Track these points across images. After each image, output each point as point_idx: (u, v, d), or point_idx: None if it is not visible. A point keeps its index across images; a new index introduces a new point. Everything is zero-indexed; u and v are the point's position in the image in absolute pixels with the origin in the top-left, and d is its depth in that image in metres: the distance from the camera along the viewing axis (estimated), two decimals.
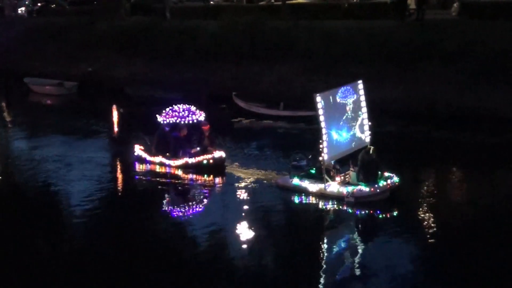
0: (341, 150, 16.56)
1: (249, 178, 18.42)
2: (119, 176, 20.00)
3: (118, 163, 21.08)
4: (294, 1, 40.58)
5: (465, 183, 18.70)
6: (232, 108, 28.17)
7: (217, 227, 15.04)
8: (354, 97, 16.70)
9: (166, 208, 17.07)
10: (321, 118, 15.69)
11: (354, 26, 31.62)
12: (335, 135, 16.19)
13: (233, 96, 28.48)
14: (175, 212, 16.78)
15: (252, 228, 14.84)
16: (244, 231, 14.73)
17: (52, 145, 22.96)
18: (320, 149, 16.02)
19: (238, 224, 15.09)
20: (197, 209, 17.03)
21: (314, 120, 24.77)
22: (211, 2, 49.19)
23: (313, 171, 17.16)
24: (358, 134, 16.99)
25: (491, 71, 25.79)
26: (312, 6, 39.44)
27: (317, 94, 15.65)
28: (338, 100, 16.21)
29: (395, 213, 15.87)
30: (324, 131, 15.77)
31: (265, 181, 18.05)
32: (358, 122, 16.94)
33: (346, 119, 16.51)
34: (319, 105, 15.58)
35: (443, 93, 26.06)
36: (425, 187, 17.84)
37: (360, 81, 17.08)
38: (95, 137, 24.71)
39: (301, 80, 29.57)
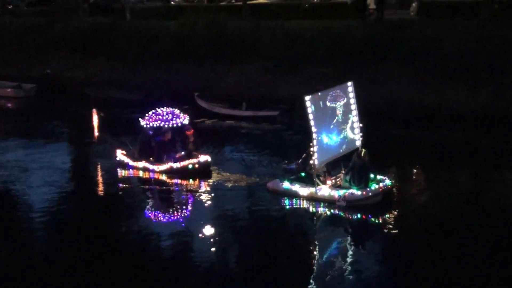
0: (332, 154, 16.29)
1: (237, 182, 18.03)
2: (83, 180, 19.39)
3: (80, 166, 20.70)
4: (254, 1, 40.65)
5: (434, 181, 18.55)
6: (195, 108, 28.05)
7: (203, 233, 14.62)
8: (344, 100, 16.44)
9: (147, 214, 16.49)
10: (311, 122, 15.38)
11: (315, 26, 31.81)
12: (325, 139, 15.92)
13: (195, 96, 28.39)
14: (157, 217, 16.35)
15: (241, 233, 14.65)
16: (232, 236, 14.49)
17: (10, 149, 22.48)
18: (311, 153, 15.75)
19: (225, 229, 14.88)
20: (182, 214, 16.48)
21: (277, 120, 25.40)
22: (172, 2, 48.93)
23: (303, 175, 16.86)
24: (350, 136, 16.75)
25: (449, 69, 26.19)
26: (273, 6, 39.58)
27: (306, 96, 15.34)
28: (328, 104, 15.91)
29: (387, 217, 15.51)
30: (314, 135, 15.49)
31: (254, 185, 17.65)
32: (349, 125, 16.68)
33: (336, 123, 16.24)
34: (309, 109, 15.26)
35: (403, 92, 26.38)
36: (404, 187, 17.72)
37: (350, 83, 16.82)
38: (55, 140, 24.28)
39: (263, 80, 29.62)
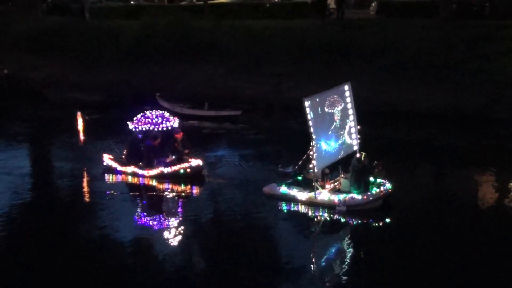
0: (330, 160, 15.90)
1: (231, 186, 17.56)
2: (67, 186, 18.51)
3: (64, 171, 19.68)
4: (215, 1, 40.58)
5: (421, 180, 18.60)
6: (157, 109, 27.81)
7: (198, 240, 14.33)
8: (341, 105, 16.00)
9: (138, 220, 15.86)
10: (311, 128, 15.00)
11: (275, 25, 31.92)
12: (324, 146, 15.49)
13: (156, 97, 28.16)
14: (148, 223, 15.77)
15: (237, 238, 14.25)
16: (228, 242, 14.14)
17: None
18: (310, 157, 15.34)
19: (221, 234, 14.58)
20: (173, 221, 15.80)
21: (239, 120, 25.35)
22: (132, 2, 48.48)
23: (299, 178, 16.42)
24: (347, 141, 16.34)
25: (408, 68, 26.60)
26: (234, 6, 39.56)
27: (305, 99, 14.93)
28: (326, 110, 15.46)
29: (388, 222, 15.34)
30: (313, 142, 15.07)
31: (249, 189, 17.10)
32: (346, 130, 16.26)
33: (334, 128, 15.82)
34: (308, 115, 14.88)
35: (363, 90, 26.56)
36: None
37: (347, 85, 16.35)
38: (15, 143, 23.69)
39: (225, 80, 29.60)
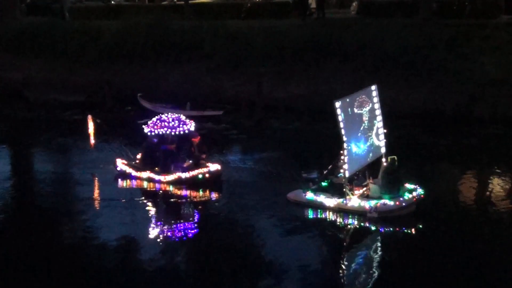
0: (360, 163, 15.38)
1: (252, 192, 16.98)
2: (81, 192, 17.89)
3: (77, 176, 19.14)
4: (196, 1, 40.47)
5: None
6: (138, 109, 27.73)
7: (221, 249, 13.70)
8: (369, 105, 15.60)
9: (156, 227, 15.41)
10: (342, 130, 14.51)
11: (256, 25, 31.91)
12: (354, 148, 14.98)
13: (138, 97, 28.03)
14: (169, 229, 15.22)
15: (263, 248, 13.76)
16: (253, 251, 13.63)
17: None
18: (341, 162, 14.91)
19: (246, 242, 14.06)
20: (193, 230, 15.33)
21: (221, 120, 25.28)
22: (112, 2, 48.17)
23: (324, 184, 15.85)
24: (375, 143, 15.85)
25: (389, 67, 26.69)
26: (215, 5, 39.48)
27: (337, 102, 14.46)
28: (355, 110, 15.02)
29: (421, 229, 14.67)
30: (345, 145, 14.57)
31: (272, 195, 16.46)
32: (374, 131, 15.80)
33: (363, 130, 15.35)
34: (339, 116, 14.44)
35: (344, 89, 26.56)
36: None
37: (374, 86, 15.96)
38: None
39: (207, 80, 29.53)
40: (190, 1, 38.41)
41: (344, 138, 14.55)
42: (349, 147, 14.73)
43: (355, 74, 27.09)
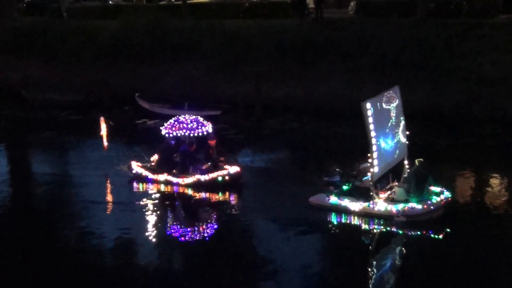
0: (388, 160, 14.98)
1: (272, 195, 16.60)
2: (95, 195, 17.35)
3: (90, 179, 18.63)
4: (194, 1, 40.45)
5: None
6: (136, 109, 27.74)
7: (243, 254, 13.39)
8: (396, 101, 15.24)
9: (179, 230, 15.14)
10: (372, 132, 14.07)
11: (254, 25, 31.91)
12: (382, 143, 14.57)
13: (136, 97, 28.03)
14: (187, 235, 14.87)
15: (286, 254, 13.28)
16: (276, 257, 13.11)
17: None
18: (368, 163, 14.53)
19: (268, 248, 13.60)
20: (215, 233, 14.91)
21: (219, 119, 25.27)
22: (110, 2, 48.14)
23: (346, 187, 15.45)
24: (402, 140, 15.51)
25: (386, 66, 26.72)
26: (213, 5, 39.48)
27: (367, 102, 14.03)
28: (384, 106, 14.64)
29: (449, 233, 14.26)
30: (374, 141, 14.13)
31: (293, 199, 16.10)
32: (401, 128, 15.45)
33: (390, 126, 14.94)
34: (369, 113, 13.98)
35: (343, 89, 26.77)
36: None
37: (397, 86, 15.60)
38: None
39: (205, 80, 29.54)
40: (188, 1, 38.39)
41: (373, 139, 14.14)
42: (378, 143, 14.34)
43: (353, 74, 27.13)
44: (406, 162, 15.68)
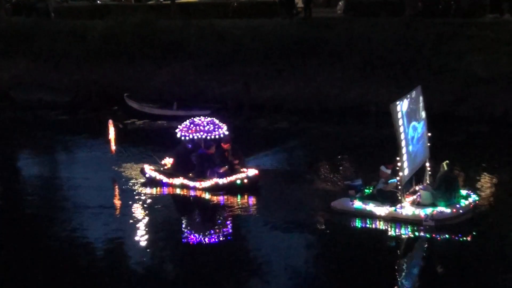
0: (415, 163, 14.68)
1: (289, 199, 16.13)
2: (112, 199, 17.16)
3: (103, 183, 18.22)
4: (183, 0, 40.37)
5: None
6: (125, 109, 27.67)
7: (266, 261, 12.86)
8: (421, 103, 15.03)
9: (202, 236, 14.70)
10: (401, 129, 13.68)
11: (243, 24, 31.90)
12: (410, 146, 14.25)
13: (124, 97, 27.96)
14: (205, 239, 14.49)
15: (309, 260, 12.91)
16: (300, 263, 12.73)
17: None
18: (398, 168, 14.01)
19: (291, 255, 13.08)
20: (235, 237, 14.53)
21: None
22: (98, 1, 47.93)
23: (368, 191, 15.11)
24: (425, 141, 15.29)
25: (375, 66, 26.81)
26: (202, 5, 39.40)
27: (396, 103, 13.62)
28: (410, 107, 14.35)
29: (477, 237, 13.82)
30: (403, 143, 13.76)
31: (312, 202, 15.67)
32: (424, 129, 15.22)
33: (416, 127, 14.68)
34: (399, 115, 13.60)
35: (332, 88, 26.85)
36: None
37: (419, 86, 15.27)
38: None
39: (194, 79, 29.48)
40: (176, 0, 38.29)
41: (403, 142, 13.79)
42: (406, 146, 13.97)
43: (342, 73, 27.21)
44: (428, 164, 15.43)
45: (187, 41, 31.06)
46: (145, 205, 16.17)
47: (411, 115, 14.35)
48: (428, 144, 15.53)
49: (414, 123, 14.50)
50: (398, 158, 13.96)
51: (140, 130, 25.21)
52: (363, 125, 24.33)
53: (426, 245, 13.75)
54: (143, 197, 16.70)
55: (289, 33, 29.66)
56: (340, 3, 37.38)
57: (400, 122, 13.72)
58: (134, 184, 17.63)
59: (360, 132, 23.32)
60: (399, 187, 14.32)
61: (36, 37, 34.53)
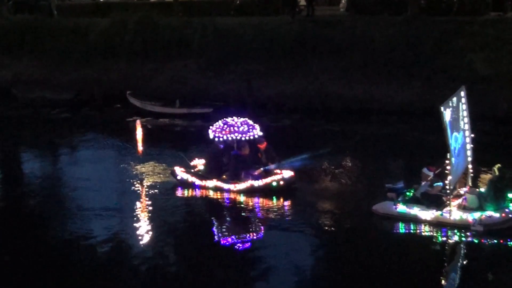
0: (458, 173, 14.30)
1: (328, 201, 15.72)
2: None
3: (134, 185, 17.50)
4: None
5: None
6: (127, 107, 27.67)
7: (308, 267, 12.67)
8: (465, 104, 14.64)
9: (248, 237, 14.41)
10: (449, 132, 13.32)
11: (246, 22, 31.86)
12: (456, 148, 13.89)
13: (127, 95, 27.96)
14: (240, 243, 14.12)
15: (353, 266, 12.47)
16: (348, 271, 12.32)
17: None
18: (447, 171, 13.63)
19: (335, 261, 12.89)
20: (278, 242, 13.84)
21: (210, 117, 25.18)
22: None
23: (409, 194, 14.67)
24: (468, 146, 14.95)
25: (378, 64, 26.77)
26: (204, 3, 39.39)
27: (445, 106, 13.23)
28: (453, 115, 13.91)
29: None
30: (452, 146, 13.44)
31: (352, 206, 15.23)
32: (467, 131, 14.88)
33: (461, 129, 14.47)
34: (448, 118, 13.27)
35: (334, 86, 26.81)
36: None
37: (463, 87, 14.75)
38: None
39: (196, 77, 29.48)
40: None
41: (451, 146, 13.46)
42: (454, 148, 13.63)
43: (344, 71, 27.17)
44: (470, 166, 15.10)
45: (190, 39, 31.04)
46: (176, 208, 15.78)
47: (454, 124, 13.91)
48: (472, 145, 15.07)
49: (455, 133, 14.03)
50: (447, 162, 13.57)
51: (161, 129, 24.88)
52: (365, 123, 24.23)
53: (474, 251, 13.34)
54: (174, 200, 16.31)
55: (291, 31, 29.61)
56: (342, 1, 37.32)
57: (449, 125, 13.39)
58: (162, 187, 17.05)
59: (360, 130, 23.22)
60: (445, 190, 13.96)
61: (38, 35, 34.56)
